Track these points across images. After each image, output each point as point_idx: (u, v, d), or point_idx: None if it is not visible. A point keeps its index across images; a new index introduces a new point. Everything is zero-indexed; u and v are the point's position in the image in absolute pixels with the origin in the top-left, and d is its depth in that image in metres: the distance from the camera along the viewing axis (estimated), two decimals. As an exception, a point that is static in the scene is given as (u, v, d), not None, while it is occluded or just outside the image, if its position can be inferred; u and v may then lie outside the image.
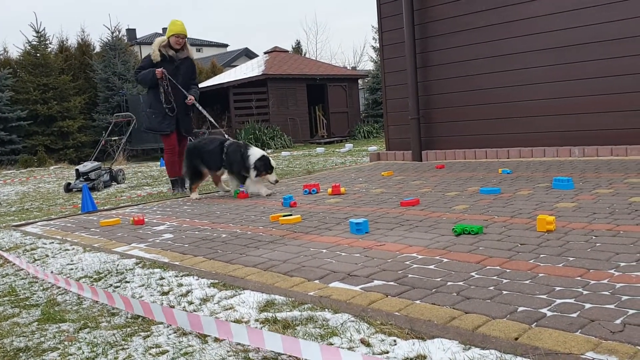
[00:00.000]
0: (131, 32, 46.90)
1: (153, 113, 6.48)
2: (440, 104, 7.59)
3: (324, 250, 3.05)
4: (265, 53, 23.37)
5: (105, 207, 5.91)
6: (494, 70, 6.90)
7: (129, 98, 19.00)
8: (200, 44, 52.56)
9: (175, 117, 6.49)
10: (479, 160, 7.06)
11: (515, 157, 6.75)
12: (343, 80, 22.23)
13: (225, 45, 54.19)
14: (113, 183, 9.10)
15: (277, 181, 5.50)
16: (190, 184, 5.94)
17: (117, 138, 12.79)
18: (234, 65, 34.32)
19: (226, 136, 5.84)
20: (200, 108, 6.56)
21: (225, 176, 5.94)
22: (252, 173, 5.30)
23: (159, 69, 6.28)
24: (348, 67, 35.61)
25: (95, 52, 21.47)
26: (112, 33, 20.95)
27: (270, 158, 5.41)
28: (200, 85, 21.77)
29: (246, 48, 43.09)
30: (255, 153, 5.37)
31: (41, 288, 2.99)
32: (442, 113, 7.60)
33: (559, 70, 6.34)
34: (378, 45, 8.97)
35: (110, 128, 10.83)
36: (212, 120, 6.73)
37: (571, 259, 2.53)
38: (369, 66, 29.38)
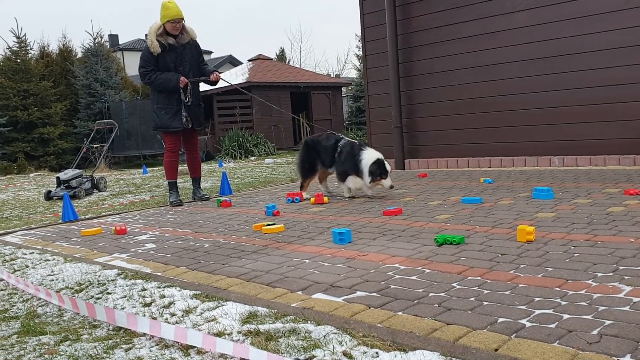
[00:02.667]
0: (114, 38, 46.62)
1: (162, 109, 5.85)
2: (423, 113, 7.66)
3: (307, 261, 3.06)
4: (249, 61, 23.40)
5: (87, 216, 5.86)
6: (476, 80, 6.98)
7: (110, 105, 18.87)
8: (183, 51, 52.24)
9: (187, 113, 5.93)
10: (461, 169, 7.12)
11: (496, 167, 6.83)
12: (327, 88, 22.33)
13: (209, 52, 54.06)
14: (95, 191, 9.02)
15: (392, 187, 5.10)
16: (302, 179, 5.58)
17: (99, 145, 12.69)
18: (218, 71, 34.24)
19: (340, 135, 5.47)
20: (228, 82, 6.24)
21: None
22: (366, 178, 5.00)
23: (183, 78, 5.70)
24: (332, 75, 35.74)
25: (77, 57, 21.30)
26: (94, 39, 20.83)
27: (386, 161, 5.05)
28: (184, 92, 21.79)
29: (230, 55, 43.01)
30: (369, 155, 5.03)
31: (21, 299, 2.96)
32: (424, 122, 7.66)
33: (540, 81, 6.44)
34: (362, 53, 9.03)
35: (92, 135, 10.74)
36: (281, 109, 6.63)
37: (550, 269, 2.56)
38: (353, 74, 29.51)
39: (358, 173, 5.07)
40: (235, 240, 3.77)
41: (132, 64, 38.07)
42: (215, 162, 16.03)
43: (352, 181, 5.16)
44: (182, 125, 5.90)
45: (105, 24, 76.71)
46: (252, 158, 16.95)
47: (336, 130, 21.75)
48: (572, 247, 2.89)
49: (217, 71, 6.00)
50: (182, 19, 5.73)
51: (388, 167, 5.03)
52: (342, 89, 24.54)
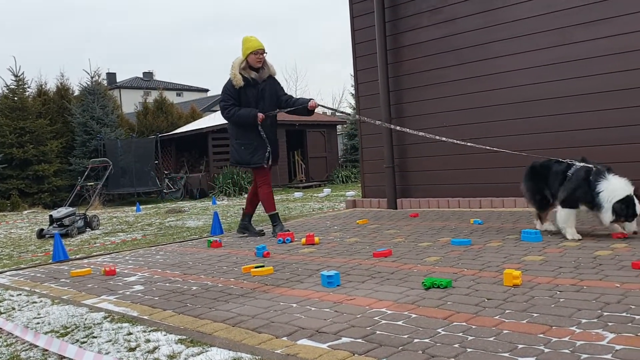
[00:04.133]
0: (111, 76, 47.19)
1: (242, 145, 5.75)
2: (414, 154, 7.73)
3: (294, 305, 3.05)
4: (244, 99, 23.62)
5: (77, 256, 5.84)
6: (464, 122, 7.08)
7: (106, 142, 18.97)
8: (180, 89, 53.01)
9: (267, 148, 5.81)
10: (452, 209, 7.16)
11: (487, 207, 6.87)
12: (322, 126, 22.54)
13: (206, 90, 54.73)
14: (87, 229, 9.01)
15: (636, 232, 4.17)
16: (537, 212, 4.84)
17: (93, 183, 12.71)
18: (214, 110, 34.59)
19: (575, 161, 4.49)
20: (326, 106, 6.08)
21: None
22: (607, 216, 4.11)
23: (261, 114, 5.62)
24: (327, 113, 36.09)
25: (74, 95, 21.49)
26: (92, 77, 21.05)
27: (637, 200, 4.10)
28: (179, 130, 21.96)
29: (226, 93, 43.48)
30: (614, 187, 4.09)
31: (5, 344, 2.93)
32: (416, 162, 7.74)
33: (525, 124, 6.55)
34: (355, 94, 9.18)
35: (86, 173, 10.79)
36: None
37: (535, 315, 2.57)
38: (348, 112, 29.82)
39: (594, 206, 4.17)
40: (224, 283, 3.76)
41: (128, 102, 38.47)
42: (209, 199, 16.04)
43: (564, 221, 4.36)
44: (264, 162, 5.80)
45: (103, 63, 77.66)
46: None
47: (331, 168, 21.96)
48: (558, 292, 2.90)
49: (313, 99, 5.85)
50: (265, 50, 5.73)
51: (639, 209, 4.08)
52: (337, 127, 24.76)
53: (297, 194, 15.21)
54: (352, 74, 8.53)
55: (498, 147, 5.67)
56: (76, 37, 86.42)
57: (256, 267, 3.97)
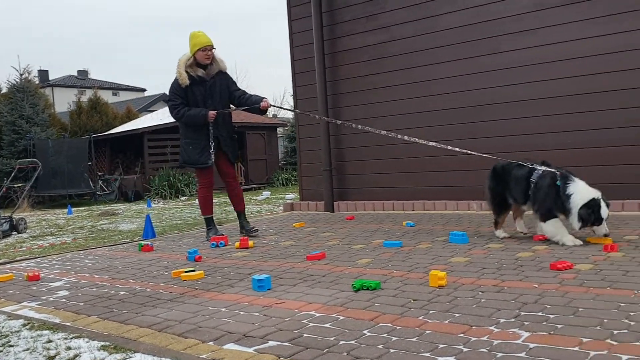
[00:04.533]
0: (43, 73, 45.30)
1: (191, 144, 5.61)
2: (351, 157, 7.83)
3: (223, 309, 3.03)
4: (183, 99, 23.21)
5: (0, 261, 5.57)
6: (397, 127, 7.20)
7: (36, 142, 18.20)
8: (117, 88, 51.55)
9: (218, 147, 5.68)
10: (387, 211, 7.29)
11: (419, 210, 7.03)
12: (262, 128, 22.43)
13: (143, 90, 53.43)
14: (13, 232, 8.61)
15: (606, 235, 4.08)
16: (494, 216, 4.69)
17: (20, 185, 12.16)
18: (151, 110, 33.85)
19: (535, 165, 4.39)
20: (280, 106, 5.92)
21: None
22: (576, 224, 4.02)
23: (212, 112, 5.46)
24: (269, 115, 35.97)
25: (1, 93, 20.50)
26: (21, 75, 20.14)
27: (603, 203, 4.00)
28: (114, 130, 21.35)
29: (164, 93, 42.63)
30: (580, 193, 4.00)
31: None
32: (353, 165, 7.83)
33: (459, 130, 6.74)
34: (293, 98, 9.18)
35: (13, 174, 10.32)
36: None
37: (457, 315, 2.66)
38: (289, 114, 29.83)
39: (564, 212, 4.09)
40: (152, 288, 3.69)
41: (62, 101, 37.05)
42: (144, 202, 15.67)
43: (555, 230, 4.18)
44: (212, 160, 5.66)
45: (35, 59, 74.48)
46: (183, 198, 16.69)
47: (271, 171, 21.89)
48: (480, 293, 3.01)
49: (266, 98, 5.70)
50: (213, 46, 5.55)
51: (604, 213, 3.99)
52: (278, 129, 24.71)
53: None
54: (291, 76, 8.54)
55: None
56: (6, 33, 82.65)
57: (186, 272, 3.92)
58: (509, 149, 6.10)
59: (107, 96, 32.52)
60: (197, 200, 6.19)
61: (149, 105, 39.99)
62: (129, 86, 53.17)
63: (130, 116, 25.08)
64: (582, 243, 4.10)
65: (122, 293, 3.59)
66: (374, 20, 7.44)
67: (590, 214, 3.96)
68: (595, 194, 4.01)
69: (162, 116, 21.37)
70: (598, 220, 4.00)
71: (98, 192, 18.16)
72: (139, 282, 3.91)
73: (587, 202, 3.95)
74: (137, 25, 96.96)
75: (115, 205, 15.77)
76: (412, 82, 7.13)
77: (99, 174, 19.26)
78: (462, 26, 6.70)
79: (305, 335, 2.53)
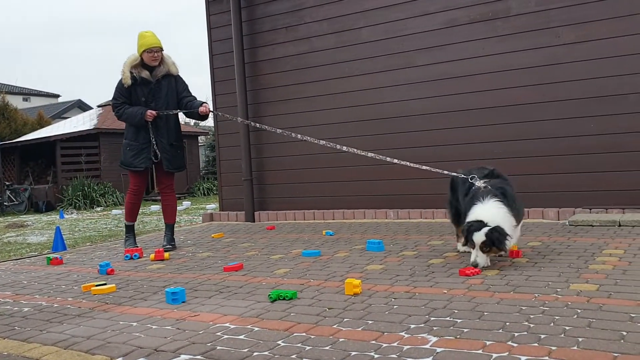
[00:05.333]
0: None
1: (128, 146, 5.44)
2: (272, 167, 7.82)
3: (135, 324, 2.94)
4: (98, 106, 22.42)
5: None
6: (319, 137, 7.29)
7: None
8: (28, 93, 48.95)
9: (154, 152, 5.44)
10: (307, 221, 7.34)
11: (339, 219, 7.13)
12: (183, 136, 21.99)
13: (57, 96, 51.05)
14: None
15: (476, 264, 3.64)
16: (455, 228, 4.45)
17: None
18: (65, 117, 32.38)
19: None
20: (223, 114, 5.78)
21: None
22: (475, 247, 3.64)
23: (150, 112, 5.29)
24: (191, 124, 35.35)
25: None
26: None
27: (507, 230, 3.60)
28: (24, 138, 20.27)
29: (79, 100, 40.96)
30: (486, 214, 3.65)
31: None
32: (274, 175, 7.83)
33: (375, 140, 6.90)
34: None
35: None
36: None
37: (370, 322, 2.71)
38: (210, 123, 29.45)
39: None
40: (60, 303, 3.52)
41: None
42: (57, 213, 14.95)
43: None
44: (145, 164, 5.43)
45: None
46: (99, 209, 16.06)
47: (192, 180, 21.46)
48: (393, 299, 3.09)
49: (206, 103, 5.53)
50: (161, 48, 5.37)
51: (509, 244, 3.64)
52: (199, 138, 24.32)
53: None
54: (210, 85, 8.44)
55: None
56: None
57: (97, 285, 3.77)
58: (425, 159, 6.31)
59: (16, 101, 30.82)
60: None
61: (63, 111, 38.21)
62: (41, 91, 50.63)
63: (42, 123, 23.96)
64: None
65: (26, 309, 3.41)
66: (294, 31, 7.50)
67: (489, 241, 3.57)
68: (506, 218, 3.66)
69: (76, 123, 20.55)
70: (470, 242, 3.69)
71: (5, 203, 17.16)
72: (46, 297, 3.73)
73: (492, 228, 3.58)
74: (51, 30, 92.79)
75: (25, 216, 14.94)
76: (330, 94, 7.24)
77: (7, 183, 18.21)
78: (378, 40, 6.88)
79: (218, 347, 2.50)
